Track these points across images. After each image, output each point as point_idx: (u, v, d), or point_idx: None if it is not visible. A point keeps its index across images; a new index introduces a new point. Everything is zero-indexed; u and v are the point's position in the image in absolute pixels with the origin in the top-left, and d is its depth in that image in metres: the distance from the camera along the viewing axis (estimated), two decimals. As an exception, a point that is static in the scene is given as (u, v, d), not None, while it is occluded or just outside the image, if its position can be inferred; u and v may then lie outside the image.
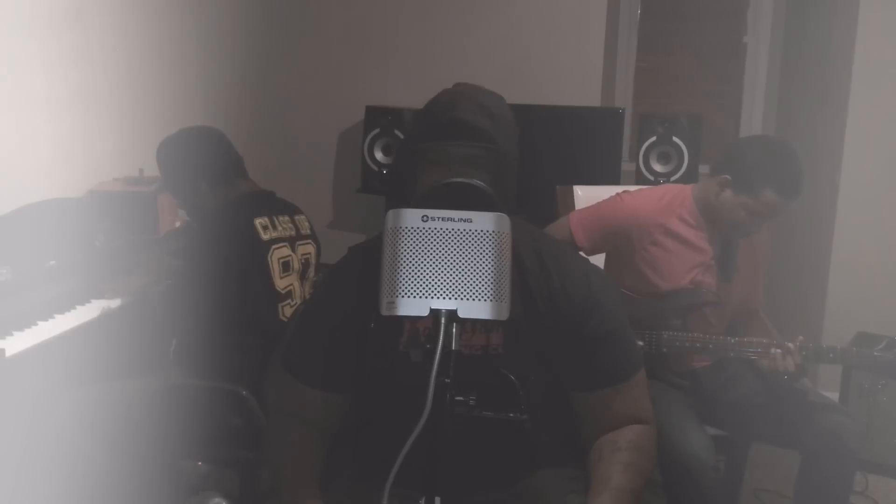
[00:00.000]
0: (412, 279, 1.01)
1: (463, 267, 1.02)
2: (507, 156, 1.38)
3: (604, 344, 1.43)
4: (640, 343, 2.11)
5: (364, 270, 1.39)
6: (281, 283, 2.27)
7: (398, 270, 1.02)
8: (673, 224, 2.16)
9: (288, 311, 2.28)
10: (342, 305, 1.44)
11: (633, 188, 2.31)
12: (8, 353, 1.98)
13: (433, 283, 1.01)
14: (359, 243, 1.54)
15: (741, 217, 2.08)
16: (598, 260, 2.28)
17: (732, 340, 2.09)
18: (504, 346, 1.41)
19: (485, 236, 1.04)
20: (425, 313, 1.01)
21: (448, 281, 1.01)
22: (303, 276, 2.37)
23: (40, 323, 2.20)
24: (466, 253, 1.03)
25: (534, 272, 1.43)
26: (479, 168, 1.35)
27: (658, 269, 2.15)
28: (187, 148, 2.34)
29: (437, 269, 1.02)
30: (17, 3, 2.68)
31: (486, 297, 1.01)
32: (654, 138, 3.58)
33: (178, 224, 2.95)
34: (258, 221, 2.24)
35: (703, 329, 2.14)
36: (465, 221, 1.04)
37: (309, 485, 1.41)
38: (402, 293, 1.01)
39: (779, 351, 2.00)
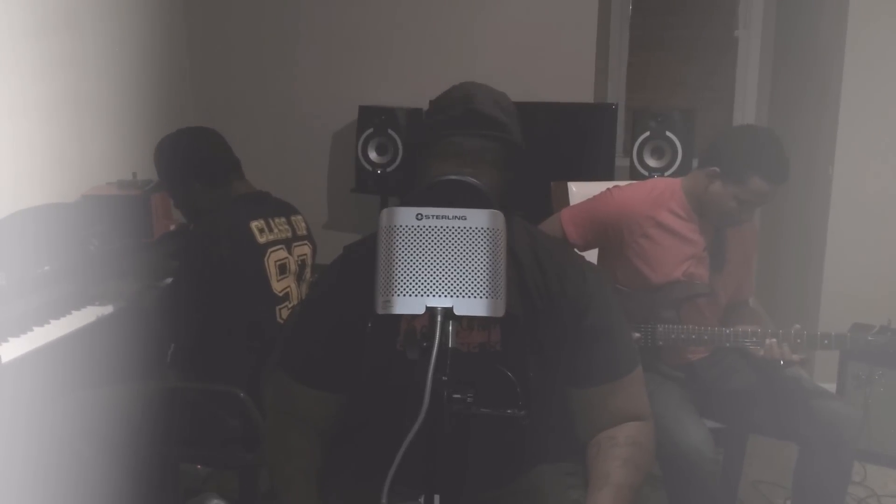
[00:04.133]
0: (408, 277, 1.01)
1: (458, 264, 1.02)
2: (520, 151, 1.40)
3: (600, 340, 1.44)
4: (637, 335, 2.12)
5: (360, 269, 1.39)
6: (278, 286, 2.27)
7: (393, 269, 1.02)
8: (663, 217, 2.17)
9: (285, 314, 2.27)
10: (339, 304, 1.44)
11: (623, 183, 2.32)
12: (4, 359, 1.97)
13: (429, 280, 1.01)
14: (354, 242, 1.54)
15: (732, 207, 2.10)
16: (591, 255, 2.29)
17: (727, 331, 2.10)
18: (501, 344, 1.41)
19: (479, 233, 1.04)
20: (421, 311, 1.01)
21: (444, 278, 1.01)
22: (299, 278, 2.37)
23: (36, 328, 2.19)
24: (461, 250, 1.02)
25: (530, 269, 1.43)
26: (488, 162, 1.36)
27: (650, 262, 2.16)
28: (183, 147, 2.34)
29: (432, 266, 1.02)
30: (8, 7, 2.67)
31: (481, 294, 1.01)
32: (647, 133, 3.59)
33: (172, 227, 2.95)
34: (254, 224, 2.24)
35: (697, 321, 2.15)
36: (459, 219, 1.04)
37: (308, 484, 1.41)
38: (398, 291, 1.01)
39: (774, 339, 2.01)
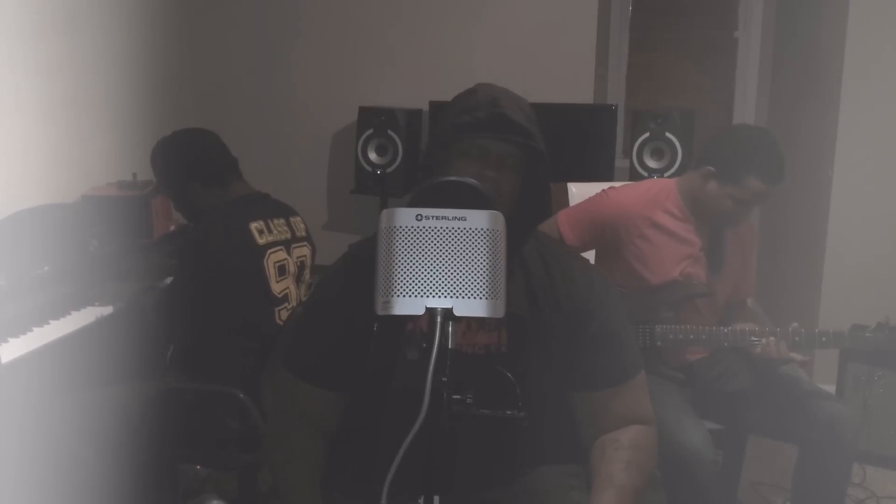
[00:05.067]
0: (407, 278, 1.01)
1: (458, 265, 1.02)
2: (543, 157, 1.40)
3: (605, 345, 1.44)
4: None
5: (364, 268, 1.39)
6: (277, 287, 2.26)
7: (393, 270, 1.02)
8: (659, 217, 2.17)
9: (284, 315, 2.27)
10: (343, 304, 1.44)
11: (618, 184, 2.32)
12: (3, 360, 1.97)
13: (428, 281, 1.01)
14: (358, 241, 1.54)
15: (728, 207, 2.10)
16: (589, 257, 2.29)
17: (725, 330, 2.10)
18: (507, 346, 1.41)
19: (479, 234, 1.04)
20: (421, 312, 1.01)
21: (443, 279, 1.01)
22: (298, 279, 2.37)
23: (35, 329, 2.19)
24: (461, 251, 1.03)
25: (538, 274, 1.44)
26: (510, 168, 1.38)
27: (647, 262, 2.16)
28: (181, 148, 2.34)
29: (432, 267, 1.02)
30: (8, 7, 2.67)
31: (481, 295, 1.01)
32: (647, 134, 3.59)
33: (172, 228, 2.95)
34: (253, 225, 2.24)
35: (695, 321, 2.15)
36: (459, 220, 1.04)
37: (309, 484, 1.41)
38: (398, 292, 1.01)
39: (772, 338, 2.01)
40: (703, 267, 2.19)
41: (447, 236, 1.03)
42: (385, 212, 1.05)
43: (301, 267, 2.38)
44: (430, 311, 1.01)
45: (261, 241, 2.24)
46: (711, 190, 2.12)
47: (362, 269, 1.40)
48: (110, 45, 3.26)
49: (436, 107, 3.79)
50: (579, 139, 3.73)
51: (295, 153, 4.23)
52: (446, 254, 1.02)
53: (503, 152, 1.38)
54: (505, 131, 1.37)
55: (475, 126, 1.37)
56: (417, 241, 1.03)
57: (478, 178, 1.32)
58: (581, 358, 1.43)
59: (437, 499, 1.03)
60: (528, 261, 1.44)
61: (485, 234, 1.04)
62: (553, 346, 1.42)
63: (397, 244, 1.03)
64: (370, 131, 3.81)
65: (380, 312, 1.02)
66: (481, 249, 1.03)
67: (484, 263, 1.02)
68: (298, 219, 2.43)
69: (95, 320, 2.31)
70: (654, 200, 2.19)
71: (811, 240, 3.46)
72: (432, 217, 1.04)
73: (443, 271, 1.02)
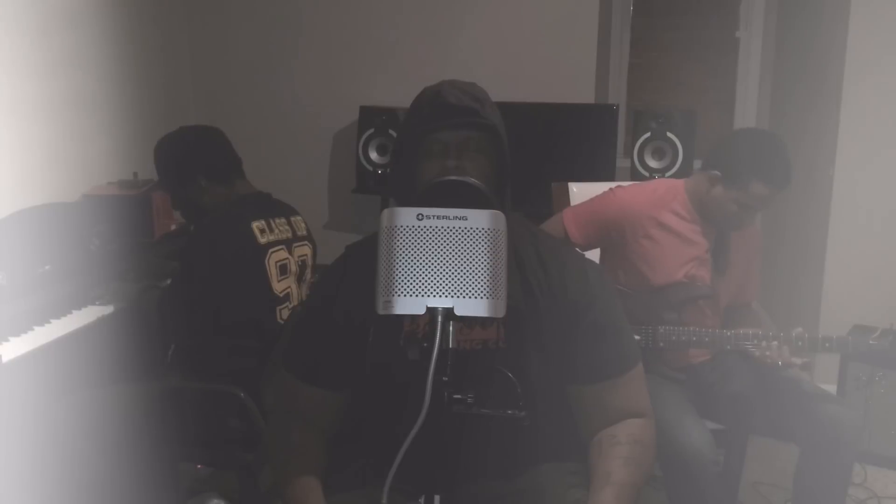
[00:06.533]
0: (408, 278, 1.01)
1: (459, 265, 1.02)
2: (499, 134, 1.41)
3: (600, 337, 1.44)
4: (637, 337, 2.11)
5: (361, 268, 1.39)
6: (278, 287, 2.27)
7: (394, 269, 1.02)
8: (665, 217, 2.17)
9: (285, 314, 2.27)
10: (340, 303, 1.45)
11: (626, 184, 2.32)
12: (4, 359, 1.98)
13: (429, 281, 1.01)
14: (355, 241, 1.55)
15: (733, 211, 2.10)
16: (594, 256, 2.29)
17: (728, 333, 2.09)
18: (504, 341, 1.41)
19: (480, 234, 1.04)
20: (422, 311, 1.01)
21: (444, 279, 1.01)
22: (300, 279, 2.37)
23: (36, 328, 2.20)
24: (462, 251, 1.03)
25: (532, 267, 1.44)
26: (473, 151, 1.39)
27: (652, 262, 2.16)
28: (187, 144, 2.33)
29: (433, 267, 1.02)
30: (9, 7, 2.68)
31: (482, 295, 1.01)
32: (648, 134, 3.59)
33: (173, 227, 2.95)
34: (255, 225, 2.24)
35: (698, 322, 2.14)
36: (460, 219, 1.04)
37: (311, 483, 1.41)
38: (399, 292, 1.01)
39: (775, 342, 2.01)
40: (708, 269, 2.19)
41: (448, 236, 1.03)
42: (386, 211, 1.06)
43: (302, 266, 2.38)
44: (431, 311, 1.01)
45: (262, 240, 2.24)
46: (717, 194, 2.12)
47: (359, 269, 1.41)
48: (110, 45, 3.26)
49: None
50: (580, 139, 3.73)
51: (296, 152, 4.23)
52: (447, 253, 1.03)
53: (459, 137, 1.39)
54: (450, 117, 1.38)
55: (422, 123, 1.39)
56: (418, 241, 1.03)
57: (442, 170, 1.34)
58: (577, 351, 1.43)
59: (437, 498, 1.03)
60: (521, 254, 1.44)
61: (486, 234, 1.04)
62: (549, 340, 1.42)
63: (398, 244, 1.03)
64: (371, 130, 3.81)
65: (381, 312, 1.02)
66: (482, 249, 1.03)
67: (485, 263, 1.02)
68: (300, 218, 2.43)
69: (96, 319, 2.31)
70: (661, 200, 2.18)
71: (812, 240, 3.45)
72: (433, 217, 1.04)
73: (444, 271, 1.02)
